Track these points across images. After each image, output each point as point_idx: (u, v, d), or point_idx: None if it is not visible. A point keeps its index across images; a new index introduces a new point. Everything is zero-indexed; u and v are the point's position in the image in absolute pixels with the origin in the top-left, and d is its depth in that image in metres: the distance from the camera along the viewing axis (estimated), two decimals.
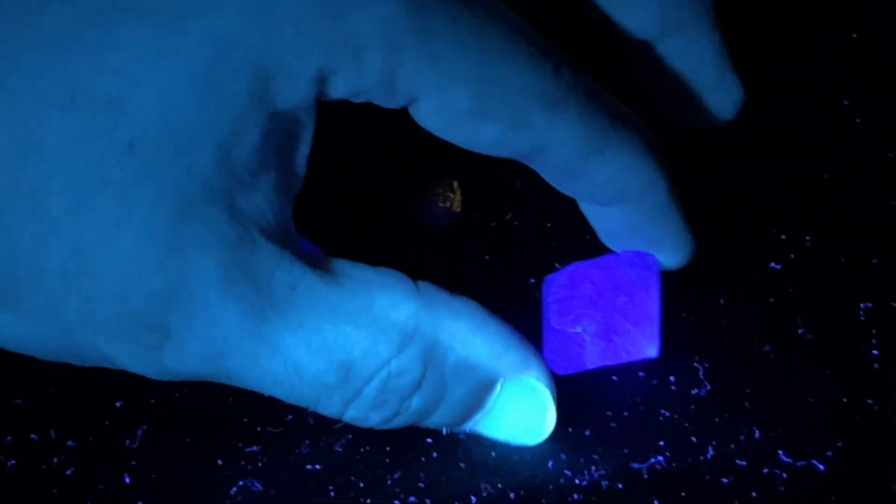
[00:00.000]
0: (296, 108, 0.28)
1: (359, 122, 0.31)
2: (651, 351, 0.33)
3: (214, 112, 0.27)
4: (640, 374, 0.36)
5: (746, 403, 0.35)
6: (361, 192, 0.40)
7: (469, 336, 0.31)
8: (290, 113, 0.28)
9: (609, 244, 0.35)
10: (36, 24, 0.27)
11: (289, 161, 0.30)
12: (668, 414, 0.35)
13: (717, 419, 0.35)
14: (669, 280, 0.35)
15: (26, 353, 0.30)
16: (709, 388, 0.36)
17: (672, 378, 0.36)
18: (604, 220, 0.34)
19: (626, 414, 0.35)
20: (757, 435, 0.34)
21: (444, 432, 0.34)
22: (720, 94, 0.36)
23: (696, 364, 0.36)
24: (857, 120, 0.41)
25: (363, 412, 0.30)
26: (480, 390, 0.32)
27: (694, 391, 0.36)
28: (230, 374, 0.29)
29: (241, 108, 0.27)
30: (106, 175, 0.26)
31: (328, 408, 0.30)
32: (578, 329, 0.33)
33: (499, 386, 0.32)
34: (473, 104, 0.29)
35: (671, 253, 0.34)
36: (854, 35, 0.43)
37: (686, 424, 0.35)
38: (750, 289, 0.38)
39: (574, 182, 0.32)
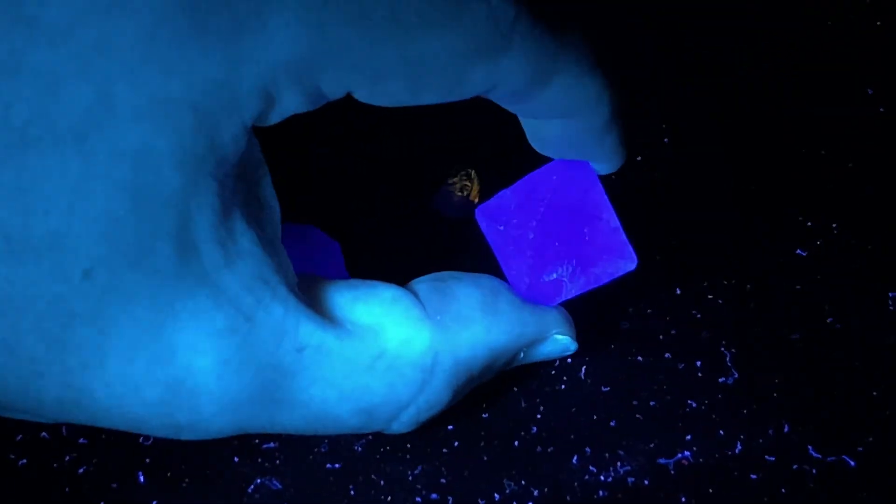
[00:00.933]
0: (236, 165, 0.27)
1: (377, 113, 0.30)
2: (629, 265, 0.33)
3: (157, 213, 0.26)
4: (667, 355, 0.35)
5: (775, 394, 0.34)
6: (380, 183, 0.39)
7: (486, 337, 0.31)
8: (233, 171, 0.27)
9: (541, 150, 0.33)
10: None
11: (258, 203, 0.29)
12: (694, 405, 0.34)
13: (745, 411, 0.34)
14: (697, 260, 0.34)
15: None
16: (736, 376, 0.35)
17: (698, 363, 0.35)
18: (542, 131, 0.33)
19: (652, 404, 0.35)
20: (786, 429, 0.34)
21: None
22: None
23: (722, 349, 0.35)
24: (881, 109, 0.40)
25: (398, 432, 0.31)
26: (506, 365, 0.32)
27: (721, 379, 0.35)
28: (252, 432, 0.29)
29: (180, 198, 0.26)
30: (72, 309, 0.25)
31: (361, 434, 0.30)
32: (555, 276, 0.33)
33: (522, 353, 0.32)
34: (405, 86, 0.28)
35: (606, 162, 0.33)
36: (878, 23, 0.42)
37: (714, 416, 0.34)
38: (776, 274, 0.37)
39: (518, 104, 0.31)
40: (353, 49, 0.27)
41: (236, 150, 0.27)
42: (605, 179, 0.33)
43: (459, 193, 0.38)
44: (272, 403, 0.28)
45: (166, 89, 0.25)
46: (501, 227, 0.33)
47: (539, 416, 0.34)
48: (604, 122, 0.31)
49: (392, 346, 0.29)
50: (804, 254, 0.37)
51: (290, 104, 0.27)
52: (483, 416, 0.35)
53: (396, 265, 0.32)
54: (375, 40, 0.26)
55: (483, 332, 0.31)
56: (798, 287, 0.37)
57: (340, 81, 0.27)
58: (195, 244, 0.26)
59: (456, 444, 0.34)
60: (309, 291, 0.30)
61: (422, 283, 0.31)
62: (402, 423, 0.30)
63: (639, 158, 0.40)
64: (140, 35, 0.25)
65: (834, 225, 0.38)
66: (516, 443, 0.34)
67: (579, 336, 0.33)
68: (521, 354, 0.32)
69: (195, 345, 0.26)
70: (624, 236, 0.33)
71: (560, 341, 0.33)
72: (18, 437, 0.34)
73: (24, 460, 0.34)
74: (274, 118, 0.27)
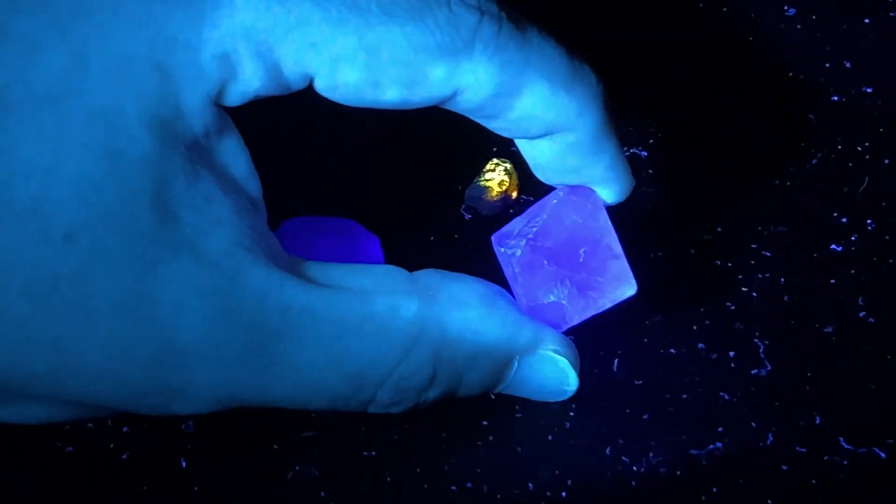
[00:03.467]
0: (206, 133, 0.28)
1: (414, 110, 0.31)
2: (629, 290, 0.33)
3: (132, 176, 0.26)
4: (700, 346, 0.36)
5: (807, 387, 0.35)
6: (418, 179, 0.40)
7: (478, 324, 0.31)
8: (204, 138, 0.28)
9: (543, 179, 0.34)
10: None
11: (234, 178, 0.29)
12: (727, 397, 0.35)
13: (776, 403, 0.34)
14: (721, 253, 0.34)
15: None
16: (769, 368, 0.35)
17: (731, 354, 0.36)
18: (535, 154, 0.33)
19: (684, 397, 0.35)
20: (817, 421, 0.34)
21: None
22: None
23: (756, 341, 0.36)
24: None
25: (382, 409, 0.30)
26: (497, 370, 0.31)
27: (754, 371, 0.35)
28: (245, 404, 0.29)
29: (153, 161, 0.27)
30: (56, 272, 0.26)
31: (348, 409, 0.30)
32: (552, 298, 0.33)
33: (516, 363, 0.32)
34: (364, 76, 0.28)
35: (606, 186, 0.33)
36: (865, 21, 0.42)
37: (745, 409, 0.34)
38: (810, 268, 0.37)
39: (493, 120, 0.31)
40: (311, 25, 0.28)
41: (203, 121, 0.28)
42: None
43: (498, 189, 0.38)
44: (261, 368, 0.28)
45: (132, 47, 0.26)
46: (503, 251, 0.33)
47: (572, 414, 0.35)
48: (591, 139, 0.31)
49: (380, 310, 0.29)
50: (839, 249, 0.37)
51: (252, 80, 0.28)
52: (517, 415, 0.35)
53: (431, 262, 0.32)
54: (334, 21, 0.28)
55: (475, 319, 0.30)
56: (832, 281, 0.37)
57: (299, 60, 0.28)
58: (173, 209, 0.27)
59: (490, 437, 0.35)
60: (298, 264, 0.30)
61: (428, 270, 0.31)
62: (387, 392, 0.30)
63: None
64: None
65: (869, 221, 0.38)
66: (550, 437, 0.34)
67: (611, 333, 0.33)
68: (515, 365, 0.32)
69: (180, 302, 0.27)
70: (625, 262, 0.32)
71: (556, 360, 0.32)
72: (66, 427, 0.35)
73: (71, 448, 0.35)
74: (236, 95, 0.28)
